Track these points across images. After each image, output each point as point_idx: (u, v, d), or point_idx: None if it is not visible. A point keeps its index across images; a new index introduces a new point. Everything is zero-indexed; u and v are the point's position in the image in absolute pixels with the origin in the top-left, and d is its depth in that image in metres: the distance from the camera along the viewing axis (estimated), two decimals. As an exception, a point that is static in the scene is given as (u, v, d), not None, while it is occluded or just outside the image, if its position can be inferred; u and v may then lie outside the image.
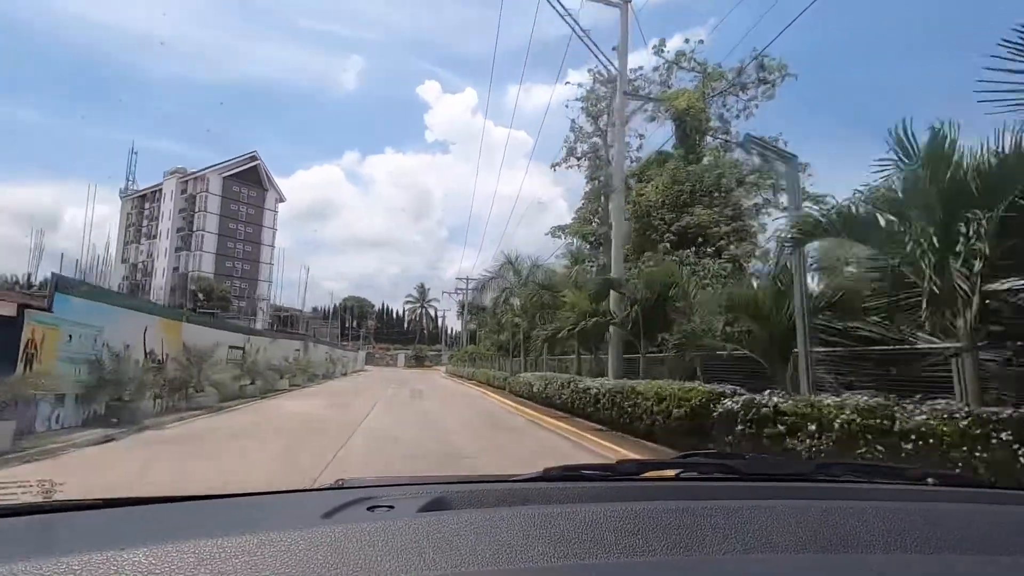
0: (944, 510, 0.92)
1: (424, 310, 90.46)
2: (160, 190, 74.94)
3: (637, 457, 4.06)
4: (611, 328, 11.46)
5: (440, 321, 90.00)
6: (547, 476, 1.16)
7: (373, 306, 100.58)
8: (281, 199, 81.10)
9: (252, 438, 8.96)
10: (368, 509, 0.90)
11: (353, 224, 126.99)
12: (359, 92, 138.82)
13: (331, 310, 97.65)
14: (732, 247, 15.15)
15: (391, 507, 0.90)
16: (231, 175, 72.73)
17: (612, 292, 11.66)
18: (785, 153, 5.98)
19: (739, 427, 5.93)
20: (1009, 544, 0.80)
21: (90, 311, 9.19)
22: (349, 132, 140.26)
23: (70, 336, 8.66)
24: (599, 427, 10.17)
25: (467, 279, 46.44)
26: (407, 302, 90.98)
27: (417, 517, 0.83)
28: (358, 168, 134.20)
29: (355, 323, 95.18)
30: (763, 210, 17.66)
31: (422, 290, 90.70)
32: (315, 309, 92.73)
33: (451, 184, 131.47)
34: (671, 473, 1.22)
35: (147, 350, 11.13)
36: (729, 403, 6.19)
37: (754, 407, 5.73)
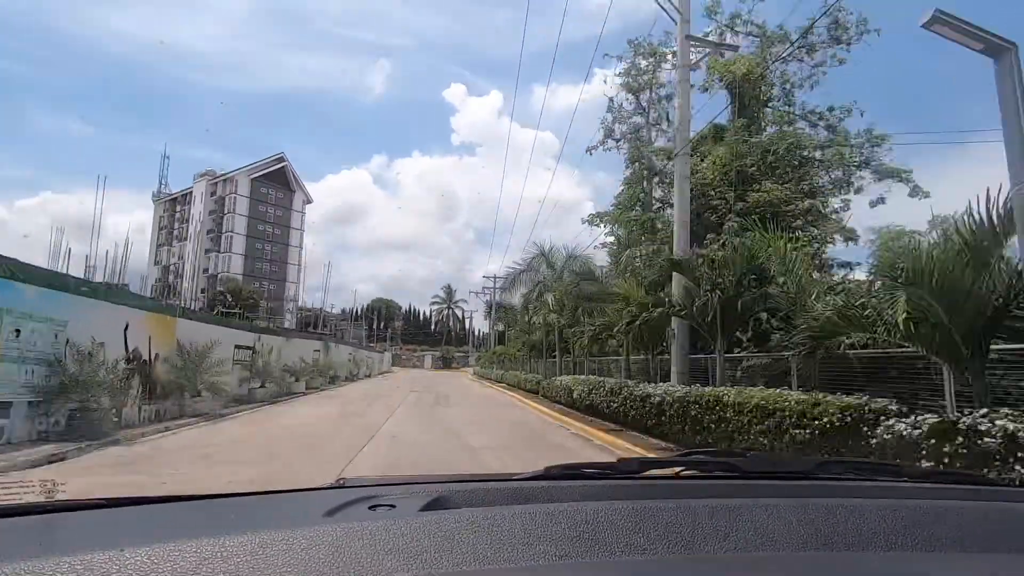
0: (946, 507, 0.91)
1: (451, 311, 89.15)
2: (190, 193, 75.67)
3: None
4: (674, 322, 9.38)
5: (467, 322, 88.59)
6: (548, 474, 1.14)
7: (400, 308, 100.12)
8: (308, 200, 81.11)
9: (235, 456, 7.24)
10: (370, 508, 0.90)
11: (381, 227, 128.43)
12: (386, 97, 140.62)
13: (359, 311, 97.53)
14: (810, 227, 12.85)
15: (392, 506, 0.90)
16: (259, 176, 72.83)
17: (675, 278, 9.58)
18: (996, 39, 3.89)
19: (924, 463, 3.84)
20: (1011, 541, 0.79)
21: (48, 301, 7.64)
22: (377, 136, 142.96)
23: (17, 331, 7.11)
24: (666, 445, 8.12)
25: (495, 277, 44.61)
26: (433, 303, 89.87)
27: (419, 516, 0.83)
28: (386, 172, 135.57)
29: (382, 324, 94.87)
30: (842, 187, 15.23)
31: (449, 291, 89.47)
32: (344, 311, 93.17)
33: (477, 186, 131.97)
34: (672, 471, 1.21)
35: (128, 349, 9.59)
36: (901, 425, 4.08)
37: (960, 434, 3.63)
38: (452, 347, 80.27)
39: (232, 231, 70.37)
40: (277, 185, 75.21)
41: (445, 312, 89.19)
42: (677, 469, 1.22)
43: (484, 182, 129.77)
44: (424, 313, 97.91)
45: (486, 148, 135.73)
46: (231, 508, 1.04)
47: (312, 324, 70.59)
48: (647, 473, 1.19)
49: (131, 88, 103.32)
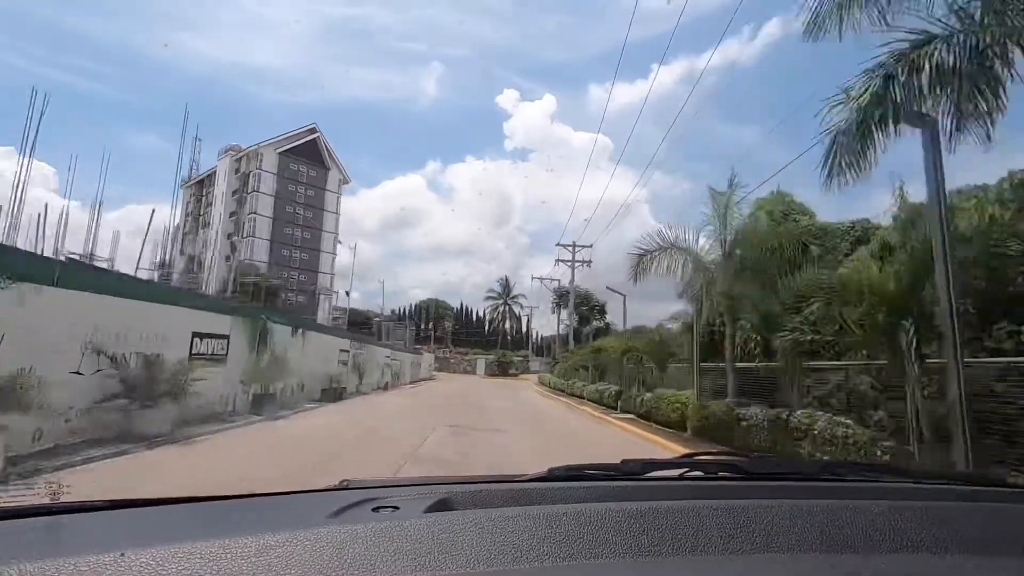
0: (951, 509, 0.90)
1: (507, 308, 75.60)
2: (215, 172, 66.91)
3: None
4: None
5: (525, 320, 74.69)
6: (552, 476, 1.14)
7: (451, 308, 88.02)
8: (345, 180, 70.49)
9: None
10: (373, 510, 0.88)
11: (435, 233, 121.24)
12: (440, 105, 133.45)
13: (406, 311, 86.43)
14: None
15: (396, 508, 0.89)
16: (287, 150, 62.74)
17: None
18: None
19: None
20: (1016, 544, 0.78)
21: None
22: (431, 143, 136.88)
23: None
24: None
25: (572, 246, 30.48)
26: (488, 297, 76.47)
27: (422, 517, 0.82)
28: (440, 178, 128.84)
29: (430, 324, 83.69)
30: None
31: (506, 285, 75.92)
32: (393, 312, 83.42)
33: (531, 191, 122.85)
34: (676, 473, 1.20)
35: None
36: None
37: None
38: (509, 351, 66.24)
39: (256, 212, 60.41)
40: (309, 161, 64.92)
41: (501, 309, 75.73)
42: (681, 470, 1.20)
43: (537, 186, 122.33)
44: (477, 313, 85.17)
45: (539, 152, 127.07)
46: (235, 510, 1.02)
47: (360, 324, 61.37)
48: (651, 474, 1.18)
49: (205, 104, 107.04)
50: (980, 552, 0.74)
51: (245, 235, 59.70)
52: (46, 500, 1.23)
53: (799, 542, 0.72)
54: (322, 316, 66.38)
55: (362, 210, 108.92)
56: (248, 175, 61.56)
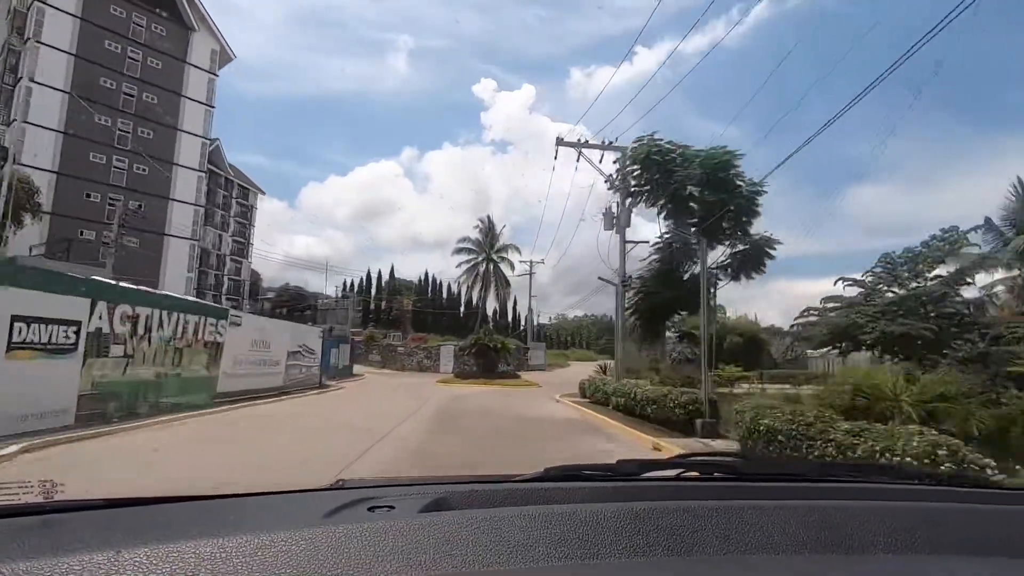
0: (945, 510, 0.90)
1: (492, 267, 48.52)
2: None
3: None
4: None
5: (523, 303, 47.79)
6: (548, 476, 1.13)
7: (412, 284, 61.43)
8: (229, 56, 43.12)
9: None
10: (369, 509, 0.88)
11: (413, 223, 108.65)
12: (416, 95, 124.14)
13: (351, 285, 59.83)
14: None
15: (391, 507, 0.88)
16: (105, -20, 35.24)
17: None
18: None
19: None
20: (1010, 544, 0.78)
21: None
22: (406, 133, 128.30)
23: None
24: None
25: None
26: (460, 249, 48.62)
27: (418, 517, 0.82)
28: (416, 166, 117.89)
29: (384, 303, 57.90)
30: None
31: (490, 229, 48.61)
32: (345, 293, 59.31)
33: (511, 183, 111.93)
34: (672, 473, 1.20)
35: None
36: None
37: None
38: (499, 336, 38.23)
39: (34, 80, 32.77)
40: (150, 9, 37.59)
41: (482, 269, 48.57)
42: (677, 471, 1.20)
43: (517, 178, 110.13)
44: (451, 291, 58.16)
45: (518, 144, 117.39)
46: (230, 509, 0.99)
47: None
48: (647, 475, 1.17)
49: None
50: (973, 553, 0.73)
51: (15, 119, 32.07)
52: (40, 499, 1.13)
53: (794, 543, 0.72)
54: (178, 273, 39.30)
55: (333, 199, 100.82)
56: (26, 17, 33.92)
